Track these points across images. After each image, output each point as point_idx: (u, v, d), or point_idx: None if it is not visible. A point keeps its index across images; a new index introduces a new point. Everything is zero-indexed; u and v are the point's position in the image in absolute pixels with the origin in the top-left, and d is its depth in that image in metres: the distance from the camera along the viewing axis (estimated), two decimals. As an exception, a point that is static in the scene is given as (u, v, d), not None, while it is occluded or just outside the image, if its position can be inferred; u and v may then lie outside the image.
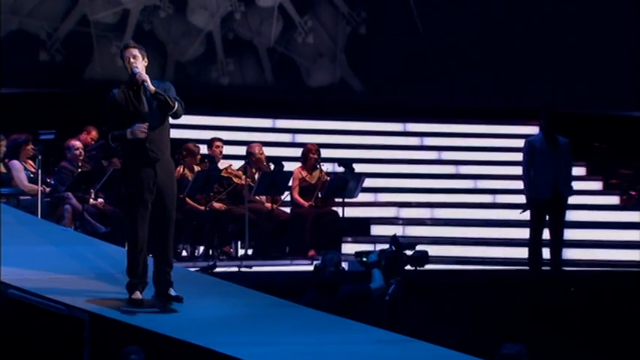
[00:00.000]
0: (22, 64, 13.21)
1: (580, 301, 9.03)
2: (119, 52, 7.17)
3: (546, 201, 10.28)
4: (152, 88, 6.83)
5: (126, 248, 7.36)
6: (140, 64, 6.92)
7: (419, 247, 8.57)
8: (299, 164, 12.03)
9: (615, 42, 14.77)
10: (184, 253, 11.34)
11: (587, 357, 7.73)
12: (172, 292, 6.96)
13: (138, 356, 5.91)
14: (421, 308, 8.26)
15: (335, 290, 7.56)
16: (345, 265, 9.23)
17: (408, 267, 7.82)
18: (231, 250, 11.62)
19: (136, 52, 6.94)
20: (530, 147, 10.44)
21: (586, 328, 8.08)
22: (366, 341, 6.82)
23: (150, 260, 7.10)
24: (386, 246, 8.09)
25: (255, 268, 10.70)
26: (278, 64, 14.48)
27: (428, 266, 9.92)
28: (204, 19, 14.20)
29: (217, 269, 9.46)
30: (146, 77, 6.86)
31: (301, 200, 11.76)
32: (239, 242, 11.61)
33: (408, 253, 7.82)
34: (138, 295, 6.96)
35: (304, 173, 11.90)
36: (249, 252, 11.49)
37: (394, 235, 7.97)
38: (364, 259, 7.82)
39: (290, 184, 11.85)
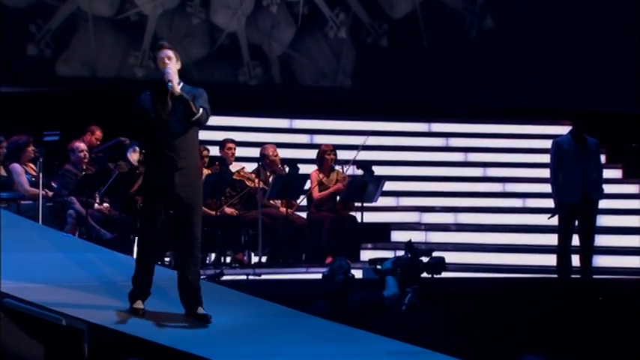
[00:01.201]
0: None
1: (609, 310, 9.03)
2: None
3: (575, 205, 10.27)
4: (177, 90, 6.83)
5: (134, 256, 7.42)
6: (174, 66, 6.93)
7: (435, 254, 8.66)
8: (315, 166, 12.09)
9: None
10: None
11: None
12: (200, 311, 6.95)
13: None
14: (440, 318, 8.29)
15: (345, 299, 7.61)
16: (360, 272, 9.31)
17: (425, 274, 7.89)
18: (245, 257, 11.68)
19: (170, 53, 6.96)
20: (558, 148, 10.44)
21: (613, 339, 8.07)
22: (376, 353, 6.84)
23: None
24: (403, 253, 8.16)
25: (268, 276, 10.75)
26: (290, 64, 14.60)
27: (451, 274, 10.02)
28: (226, 18, 14.35)
29: (225, 277, 9.52)
30: (173, 77, 6.86)
31: (323, 194, 11.74)
32: (252, 249, 11.66)
33: (424, 259, 7.88)
34: (139, 304, 7.02)
35: (322, 176, 11.95)
36: (264, 259, 11.55)
37: (409, 241, 8.03)
38: (378, 266, 7.89)
39: (306, 187, 11.91)
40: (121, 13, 13.91)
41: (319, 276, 10.84)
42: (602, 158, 14.19)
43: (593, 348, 7.85)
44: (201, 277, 9.19)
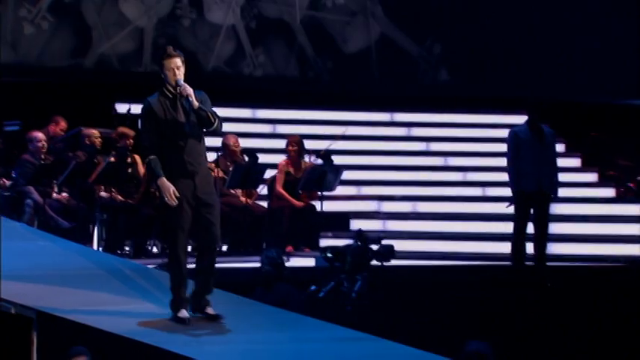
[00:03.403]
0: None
1: (561, 297, 9.11)
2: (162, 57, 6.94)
3: (531, 194, 10.33)
4: (195, 103, 6.78)
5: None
6: (182, 74, 6.87)
7: (392, 242, 8.72)
8: (280, 156, 12.11)
9: (612, 30, 14.84)
10: (155, 250, 11.41)
11: (561, 355, 7.80)
12: (210, 311, 6.94)
13: None
14: (390, 305, 8.34)
15: (271, 288, 7.65)
16: (313, 261, 9.36)
17: (374, 262, 7.94)
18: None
19: (179, 62, 6.88)
20: (515, 137, 10.48)
21: (561, 326, 8.15)
22: (324, 339, 6.89)
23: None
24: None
25: (226, 265, 10.76)
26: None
27: (408, 262, 10.07)
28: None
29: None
30: (191, 91, 6.80)
31: (287, 195, 11.79)
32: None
33: (374, 247, 7.93)
34: (184, 313, 6.89)
35: (289, 166, 11.96)
36: (224, 248, 11.57)
37: (359, 230, 8.08)
38: (328, 254, 7.93)
39: (266, 176, 11.93)
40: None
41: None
42: (562, 147, 14.36)
43: (540, 335, 7.92)
44: (155, 266, 9.25)
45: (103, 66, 14.17)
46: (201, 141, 6.92)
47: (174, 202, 6.80)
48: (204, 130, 6.87)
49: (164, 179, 6.83)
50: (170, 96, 6.86)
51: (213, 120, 6.81)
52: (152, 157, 6.85)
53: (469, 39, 14.85)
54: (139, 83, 13.55)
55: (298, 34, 14.65)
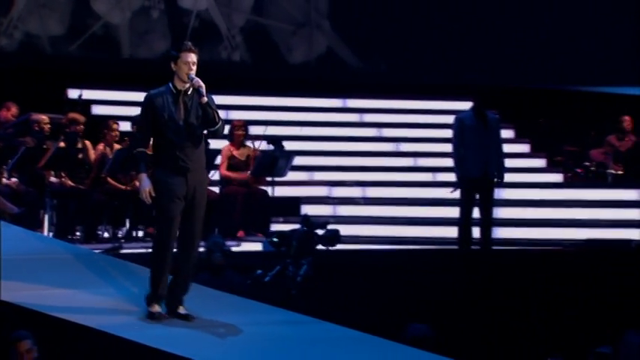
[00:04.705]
0: None
1: (504, 280, 9.22)
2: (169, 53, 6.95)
3: (476, 179, 10.44)
4: (205, 98, 6.74)
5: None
6: (194, 71, 6.81)
7: (340, 227, 8.79)
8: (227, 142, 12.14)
9: (559, 15, 14.98)
10: (106, 235, 11.41)
11: (503, 338, 7.92)
12: (182, 311, 6.91)
13: None
14: (336, 289, 8.41)
15: (221, 274, 7.71)
16: (260, 245, 9.42)
17: (320, 247, 8.01)
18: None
19: (195, 57, 6.83)
20: (460, 123, 10.59)
21: (504, 308, 8.26)
22: (268, 322, 6.96)
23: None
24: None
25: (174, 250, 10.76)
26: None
27: (353, 246, 10.14)
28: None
29: (125, 251, 9.55)
30: (202, 85, 6.75)
31: (230, 174, 11.83)
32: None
33: (320, 232, 8.00)
34: (157, 308, 6.86)
35: (233, 150, 12.01)
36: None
37: (305, 215, 8.14)
38: (274, 239, 7.99)
39: (218, 161, 11.96)
40: None
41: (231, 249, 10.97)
42: (511, 133, 14.50)
43: (483, 318, 8.03)
44: (100, 250, 9.27)
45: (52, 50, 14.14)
46: (200, 140, 6.89)
47: (148, 200, 6.82)
48: (207, 129, 6.85)
49: (144, 176, 6.87)
50: (174, 92, 6.81)
51: (217, 120, 6.80)
52: (140, 150, 6.87)
53: (414, 33, 14.95)
54: (88, 69, 13.58)
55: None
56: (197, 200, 6.91)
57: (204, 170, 7.07)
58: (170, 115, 6.78)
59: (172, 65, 6.84)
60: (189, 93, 6.81)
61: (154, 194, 6.83)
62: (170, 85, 6.85)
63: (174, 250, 6.95)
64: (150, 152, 7.00)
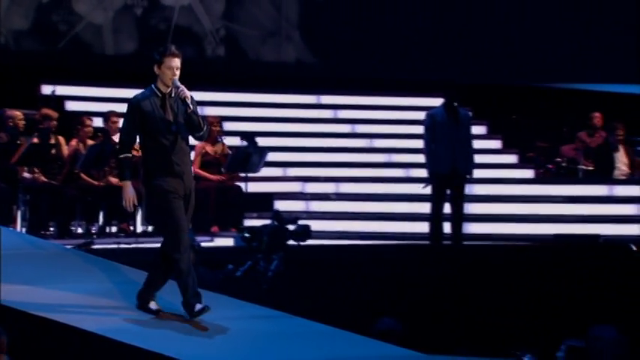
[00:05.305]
0: None
1: (475, 275, 9.29)
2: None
3: (447, 175, 10.53)
4: (191, 107, 6.70)
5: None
6: (178, 75, 6.75)
7: (312, 222, 8.84)
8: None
9: (528, 14, 15.09)
10: (79, 230, 11.41)
11: (472, 332, 7.99)
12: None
13: None
14: (306, 284, 8.46)
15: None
16: (231, 241, 9.46)
17: (291, 242, 8.05)
18: (130, 226, 11.71)
19: (178, 62, 6.74)
20: (432, 120, 10.69)
21: (471, 302, 8.33)
22: (239, 317, 7.00)
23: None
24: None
25: (151, 245, 10.79)
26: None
27: (324, 242, 10.19)
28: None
29: (96, 246, 9.56)
30: (188, 94, 6.71)
31: (203, 173, 11.86)
32: (138, 219, 11.69)
33: (291, 227, 8.04)
34: (155, 305, 6.90)
35: (207, 147, 12.02)
36: (150, 229, 11.59)
37: (276, 210, 8.18)
38: (246, 234, 8.03)
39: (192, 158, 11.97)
40: None
41: (206, 245, 11.00)
42: (483, 130, 14.59)
43: (453, 312, 8.10)
44: (72, 246, 9.28)
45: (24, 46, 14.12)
46: (187, 142, 6.88)
47: (130, 209, 6.85)
48: (192, 135, 6.83)
49: (128, 184, 6.86)
50: (159, 95, 6.78)
51: (202, 126, 6.79)
52: (125, 155, 6.85)
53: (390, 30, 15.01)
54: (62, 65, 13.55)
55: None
56: (191, 203, 6.96)
57: (191, 170, 7.08)
58: (161, 117, 6.75)
59: (155, 69, 6.78)
60: (172, 96, 6.79)
61: (136, 203, 6.83)
62: (154, 87, 6.81)
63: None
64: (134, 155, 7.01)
